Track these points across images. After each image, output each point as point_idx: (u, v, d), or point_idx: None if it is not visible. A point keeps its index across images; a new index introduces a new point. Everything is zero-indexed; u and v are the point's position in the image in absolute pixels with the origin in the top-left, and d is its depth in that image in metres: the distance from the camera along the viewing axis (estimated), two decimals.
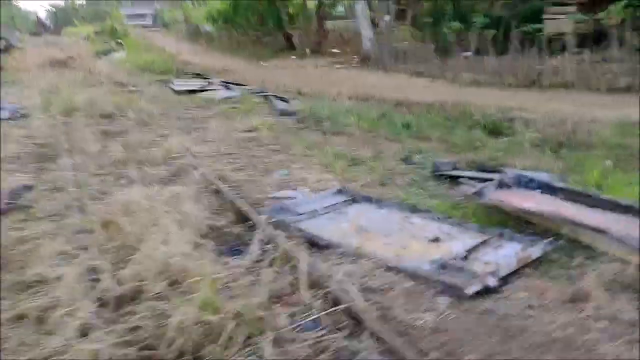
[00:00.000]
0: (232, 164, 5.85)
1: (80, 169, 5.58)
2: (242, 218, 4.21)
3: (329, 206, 4.39)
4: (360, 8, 18.99)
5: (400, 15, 29.22)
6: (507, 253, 3.40)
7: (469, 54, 15.34)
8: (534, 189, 4.59)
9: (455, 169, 5.81)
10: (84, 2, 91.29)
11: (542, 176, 5.43)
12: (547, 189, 4.56)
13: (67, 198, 4.60)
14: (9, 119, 8.86)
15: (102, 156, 6.01)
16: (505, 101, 10.40)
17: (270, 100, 10.01)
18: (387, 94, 11.85)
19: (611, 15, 11.54)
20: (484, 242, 3.52)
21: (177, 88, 11.90)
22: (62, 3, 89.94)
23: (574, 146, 7.24)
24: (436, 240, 3.66)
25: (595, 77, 11.85)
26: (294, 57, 20.97)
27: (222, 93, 11.26)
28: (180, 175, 5.32)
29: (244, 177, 5.34)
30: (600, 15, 12.02)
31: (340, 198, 4.59)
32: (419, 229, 3.91)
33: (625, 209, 4.13)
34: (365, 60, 18.18)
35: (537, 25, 13.80)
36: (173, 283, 3.00)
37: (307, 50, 21.55)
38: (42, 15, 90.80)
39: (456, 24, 14.90)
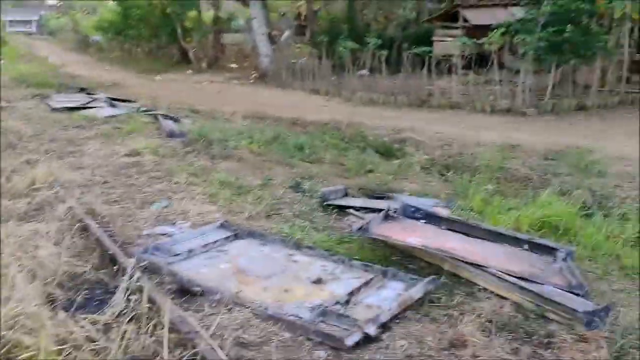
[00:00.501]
0: (106, 194, 5.32)
1: None
2: (110, 261, 3.77)
3: (208, 244, 4.07)
4: (257, 24, 18.80)
5: (300, 32, 29.57)
6: (389, 295, 3.28)
7: (365, 72, 15.69)
8: (419, 219, 4.58)
9: (345, 195, 5.73)
10: None
11: (428, 204, 5.49)
12: (431, 219, 4.56)
13: None
14: None
15: None
16: (398, 122, 10.66)
17: (158, 120, 9.45)
18: (283, 113, 11.75)
19: (492, 41, 12.25)
20: (367, 283, 3.38)
21: (55, 105, 10.91)
22: None
23: (460, 169, 7.47)
24: (319, 281, 3.47)
25: (479, 98, 12.53)
26: (189, 71, 20.33)
27: (107, 111, 10.48)
28: (43, 210, 4.73)
29: (118, 210, 4.85)
30: (483, 40, 12.75)
31: (222, 234, 4.28)
32: (302, 268, 3.70)
33: (504, 239, 4.22)
34: (263, 77, 18.00)
35: (427, 48, 14.39)
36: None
37: (204, 65, 20.99)
38: None
39: (351, 43, 15.15)
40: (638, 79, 14.55)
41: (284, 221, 4.68)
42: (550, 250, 4.02)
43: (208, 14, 23.22)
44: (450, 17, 18.17)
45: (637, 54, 16.52)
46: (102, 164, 6.48)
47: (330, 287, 3.41)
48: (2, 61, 20.92)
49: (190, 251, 3.94)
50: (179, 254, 3.87)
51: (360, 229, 3.92)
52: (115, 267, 3.66)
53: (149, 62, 23.33)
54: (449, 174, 7.25)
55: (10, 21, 68.00)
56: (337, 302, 3.13)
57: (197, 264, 3.79)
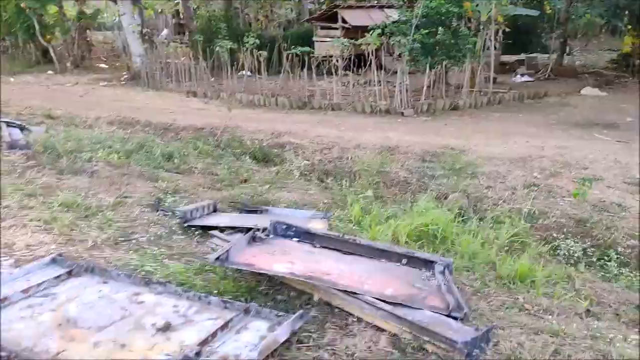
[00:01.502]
0: None
1: None
2: None
3: (31, 287, 3.28)
4: (126, 21, 17.45)
5: (179, 31, 28.23)
6: (250, 339, 2.77)
7: (247, 73, 15.08)
8: (291, 237, 4.12)
9: (215, 211, 5.15)
10: None
11: (305, 216, 5.10)
12: (305, 236, 4.12)
13: None
14: None
15: None
16: (278, 125, 10.22)
17: (3, 129, 8.15)
18: (155, 117, 10.85)
19: (368, 42, 12.25)
20: (225, 325, 2.84)
21: None
22: None
23: (339, 175, 7.20)
24: (166, 328, 2.87)
25: (359, 100, 12.47)
26: (51, 72, 18.37)
27: None
28: None
29: None
30: (361, 41, 12.72)
31: (53, 272, 3.50)
32: (148, 311, 3.07)
33: (382, 254, 3.90)
34: (135, 78, 16.73)
35: (308, 48, 14.12)
36: None
37: (68, 65, 19.11)
38: None
39: (228, 43, 14.47)
40: (503, 79, 15.48)
41: (135, 249, 4.00)
42: (428, 264, 3.75)
43: (72, 10, 21.23)
44: (330, 18, 18.11)
45: (502, 56, 17.65)
46: None
47: (180, 335, 2.82)
48: None
49: (6, 299, 3.15)
50: None
51: (218, 258, 3.36)
52: None
53: (3, 61, 20.81)
54: (328, 181, 6.95)
55: None
56: (186, 357, 2.56)
57: (11, 316, 3.01)
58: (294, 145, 8.66)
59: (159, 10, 31.09)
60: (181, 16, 26.02)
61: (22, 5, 17.79)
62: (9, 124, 8.51)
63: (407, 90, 12.19)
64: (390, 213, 5.24)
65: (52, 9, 19.47)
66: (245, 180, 6.74)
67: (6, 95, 13.59)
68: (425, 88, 12.51)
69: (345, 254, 3.92)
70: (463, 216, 5.30)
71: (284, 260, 3.63)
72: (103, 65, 20.11)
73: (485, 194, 6.26)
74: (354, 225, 4.97)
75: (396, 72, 12.36)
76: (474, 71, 13.40)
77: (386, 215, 5.13)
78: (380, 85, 12.59)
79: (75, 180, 5.81)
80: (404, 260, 3.82)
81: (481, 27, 13.49)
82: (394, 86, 12.43)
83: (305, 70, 13.41)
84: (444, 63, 12.63)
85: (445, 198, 6.00)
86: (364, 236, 4.46)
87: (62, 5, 20.06)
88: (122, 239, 4.18)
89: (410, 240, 4.45)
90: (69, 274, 3.51)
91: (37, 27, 18.51)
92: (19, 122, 8.71)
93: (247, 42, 13.76)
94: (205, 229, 4.48)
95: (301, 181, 6.94)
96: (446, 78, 13.40)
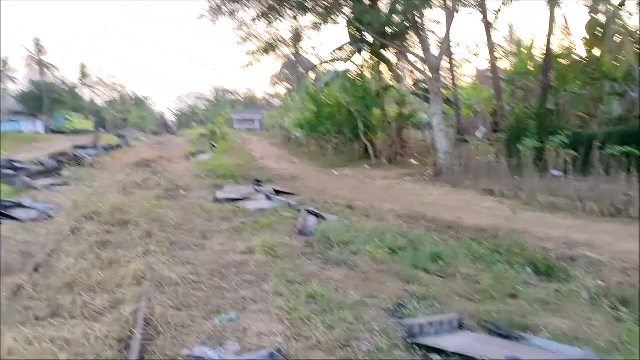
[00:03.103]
0: (185, 297, 5.00)
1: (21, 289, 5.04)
2: None
3: None
4: (436, 120, 18.29)
5: (495, 129, 28.23)
6: None
7: (558, 173, 13.74)
8: None
9: (460, 327, 4.53)
10: (205, 106, 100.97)
11: (571, 355, 4.02)
12: None
13: None
14: (34, 219, 8.86)
15: (53, 276, 5.45)
16: (575, 233, 8.80)
17: (301, 215, 9.23)
18: (442, 214, 10.69)
19: None
20: None
21: (220, 195, 11.59)
22: (186, 106, 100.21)
23: None
24: None
25: None
26: (367, 166, 20.45)
27: (260, 204, 10.72)
28: (117, 308, 4.55)
29: (181, 318, 4.44)
30: None
31: None
32: None
33: None
34: (439, 174, 17.14)
35: (631, 149, 12.06)
36: None
37: (383, 160, 20.97)
38: (169, 116, 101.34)
39: (531, 141, 13.55)
40: None
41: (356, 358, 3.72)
42: None
43: (394, 109, 23.50)
44: None
45: None
46: (211, 261, 6.30)
47: None
48: (209, 155, 23.72)
49: None
50: None
51: None
52: None
53: (334, 157, 24.29)
54: (623, 311, 5.44)
55: (238, 120, 79.48)
56: None
57: None
58: (588, 260, 7.20)
59: (476, 110, 31.87)
60: (497, 115, 26.03)
61: (351, 109, 20.61)
62: (309, 212, 9.60)
63: None
64: None
65: (376, 111, 21.98)
66: (513, 296, 5.81)
67: (324, 185, 15.64)
68: None
69: None
70: None
71: None
72: (413, 161, 21.36)
73: None
74: None
75: None
76: None
77: None
78: None
79: (335, 272, 5.98)
80: None
81: None
82: None
83: (623, 172, 11.41)
84: None
85: None
86: None
87: (384, 107, 22.47)
88: (342, 344, 3.97)
89: None
90: None
91: (361, 127, 21.08)
92: (315, 211, 9.71)
93: (553, 141, 12.61)
94: (432, 350, 3.91)
95: (585, 307, 5.59)
96: None
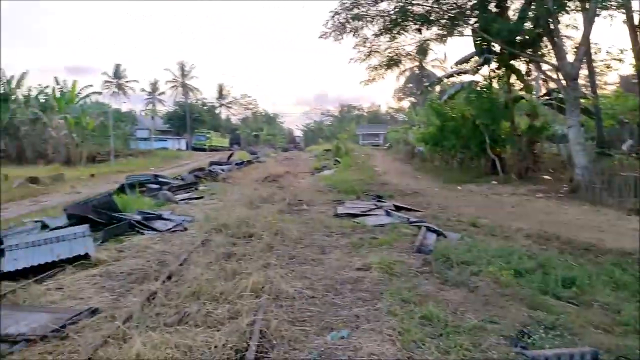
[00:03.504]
0: (300, 311, 5.07)
1: (155, 296, 5.47)
2: None
3: None
4: (573, 133, 16.91)
5: None
6: None
7: None
8: None
9: None
10: (331, 122, 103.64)
11: None
12: None
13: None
14: (172, 229, 9.63)
15: (182, 285, 5.83)
16: None
17: (420, 232, 8.99)
18: (579, 235, 9.81)
19: None
20: None
21: (340, 210, 11.71)
22: (313, 122, 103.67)
23: None
24: None
25: None
26: (494, 182, 19.45)
27: (379, 219, 10.64)
28: (234, 320, 4.75)
29: (294, 333, 4.50)
30: None
31: None
32: None
33: None
34: (575, 191, 15.78)
35: None
36: None
37: (512, 176, 19.81)
38: (297, 133, 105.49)
39: None
40: None
41: None
42: None
43: (525, 121, 22.15)
44: None
45: None
46: (327, 276, 6.35)
47: None
48: (332, 170, 24.17)
49: None
50: None
51: None
52: None
53: (459, 172, 23.48)
54: None
55: (364, 134, 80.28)
56: None
57: None
58: None
59: (623, 121, 28.95)
60: None
61: (477, 122, 19.79)
62: (430, 229, 9.33)
63: None
64: None
65: (505, 124, 20.88)
66: None
67: (447, 201, 15.14)
68: None
69: None
70: None
71: None
72: (546, 177, 19.91)
73: None
74: None
75: None
76: None
77: None
78: None
79: (453, 293, 5.72)
80: None
81: None
82: None
83: None
84: None
85: None
86: None
87: (513, 120, 21.27)
88: None
89: None
90: None
91: (487, 140, 20.14)
92: (436, 228, 9.40)
93: None
94: None
95: None
96: None
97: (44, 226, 9.38)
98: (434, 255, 7.25)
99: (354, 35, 20.49)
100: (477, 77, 23.09)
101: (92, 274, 6.67)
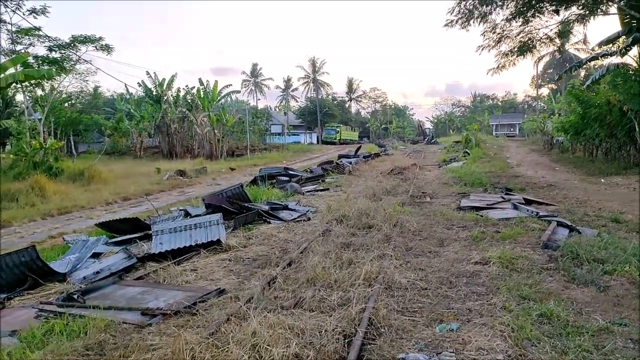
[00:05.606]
0: (412, 302, 5.09)
1: (275, 281, 5.83)
2: None
3: None
4: None
5: None
6: None
7: None
8: None
9: None
10: (462, 113, 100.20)
11: None
12: None
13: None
14: (296, 219, 10.10)
15: (301, 271, 6.12)
16: None
17: (550, 227, 8.45)
18: None
19: None
20: None
21: (464, 203, 11.36)
22: (443, 114, 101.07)
23: None
24: None
25: None
26: None
27: (505, 212, 10.14)
28: (347, 306, 4.91)
29: (404, 322, 4.54)
30: None
31: None
32: None
33: None
34: None
35: None
36: None
37: None
38: (427, 124, 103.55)
39: None
40: None
41: None
42: None
43: None
44: None
45: None
46: (443, 269, 6.26)
47: None
48: (461, 162, 23.35)
49: None
50: None
51: None
52: None
53: (603, 163, 21.42)
54: None
55: (497, 124, 76.46)
56: None
57: None
58: None
59: None
60: None
61: (625, 108, 17.89)
62: (560, 224, 8.72)
63: None
64: None
65: None
66: None
67: (587, 195, 13.94)
68: None
69: None
70: None
71: None
72: None
73: None
74: None
75: None
76: None
77: None
78: None
79: (580, 292, 5.34)
80: None
81: None
82: None
83: None
84: None
85: None
86: None
87: None
88: None
89: None
90: None
91: (637, 129, 18.13)
92: (569, 224, 8.75)
93: None
94: None
95: None
96: None
97: (187, 214, 10.37)
98: (561, 251, 6.79)
99: (481, 21, 19.59)
100: (625, 60, 20.80)
101: (222, 258, 7.28)
